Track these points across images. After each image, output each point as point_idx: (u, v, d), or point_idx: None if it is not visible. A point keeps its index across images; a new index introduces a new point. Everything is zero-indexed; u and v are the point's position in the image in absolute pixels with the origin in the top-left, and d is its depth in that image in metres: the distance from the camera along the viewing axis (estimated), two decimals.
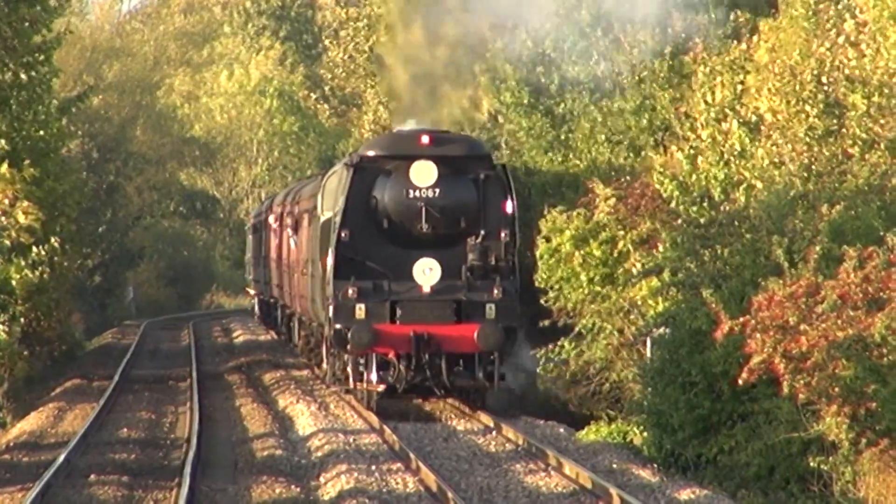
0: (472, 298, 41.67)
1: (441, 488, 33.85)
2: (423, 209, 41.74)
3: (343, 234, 41.98)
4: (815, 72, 45.51)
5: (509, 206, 42.40)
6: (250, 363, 69.16)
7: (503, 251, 41.54)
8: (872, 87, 44.56)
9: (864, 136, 44.64)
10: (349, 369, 43.04)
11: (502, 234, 41.77)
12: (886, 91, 44.70)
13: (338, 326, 41.90)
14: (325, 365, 50.27)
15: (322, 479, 36.72)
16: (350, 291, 41.50)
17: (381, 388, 41.89)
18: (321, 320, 47.98)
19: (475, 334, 41.17)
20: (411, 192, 41.97)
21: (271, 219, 71.63)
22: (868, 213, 42.12)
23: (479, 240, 41.51)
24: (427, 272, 41.26)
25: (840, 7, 47.50)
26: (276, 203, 74.66)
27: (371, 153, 43.20)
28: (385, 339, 41.31)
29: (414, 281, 41.67)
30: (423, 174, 41.51)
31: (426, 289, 41.60)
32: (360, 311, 41.33)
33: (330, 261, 42.25)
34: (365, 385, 41.97)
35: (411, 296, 41.69)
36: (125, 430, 48.31)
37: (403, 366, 41.31)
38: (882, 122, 44.50)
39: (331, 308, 42.20)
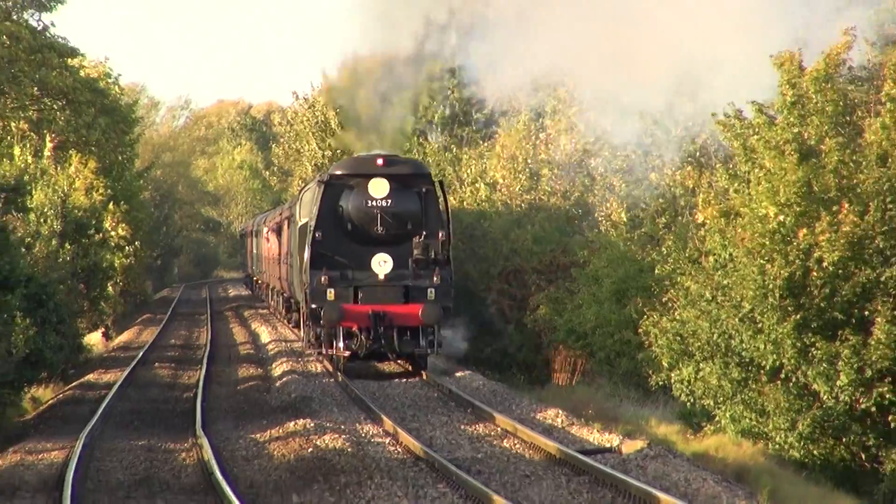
0: (417, 284, 33.44)
1: (340, 379, 32.79)
2: (379, 215, 33.58)
3: (317, 235, 33.95)
4: (523, 157, 46.27)
5: (444, 213, 34.23)
6: (238, 306, 68.52)
7: (440, 247, 33.55)
8: (555, 166, 45.38)
9: (548, 189, 45.44)
10: (322, 339, 34.60)
11: (440, 235, 33.60)
12: (556, 170, 45.46)
13: (313, 306, 33.76)
14: (301, 333, 41.29)
15: (273, 365, 36.86)
16: (322, 279, 33.46)
17: (347, 353, 33.61)
18: (298, 299, 39.86)
19: (420, 312, 32.93)
20: (370, 202, 33.68)
21: (265, 229, 58.70)
22: (554, 230, 43.23)
23: (422, 239, 33.49)
24: (382, 264, 33.49)
25: (539, 124, 47.98)
26: (260, 220, 67.10)
27: (338, 172, 34.58)
28: (350, 316, 33.26)
29: (372, 271, 33.60)
30: (379, 188, 33.56)
31: (381, 277, 33.54)
32: (331, 294, 33.37)
33: (307, 255, 34.26)
34: (334, 351, 33.83)
35: (370, 282, 33.53)
36: (173, 340, 49.67)
37: (364, 336, 33.21)
38: (557, 184, 45.27)
39: (307, 292, 34.18)
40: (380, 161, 33.82)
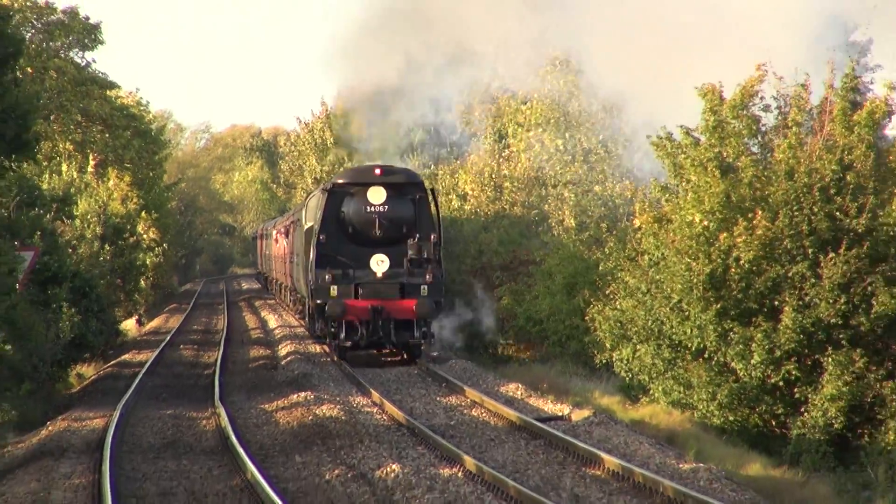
0: (411, 281, 31.17)
1: (336, 359, 31.70)
2: (377, 220, 31.44)
3: (321, 237, 31.70)
4: (489, 171, 45.96)
5: (435, 217, 31.94)
6: (249, 297, 67.83)
7: (432, 248, 31.37)
8: (515, 180, 45.29)
9: (510, 199, 45.21)
10: (326, 331, 32.72)
11: (432, 237, 31.43)
12: (517, 184, 45.24)
13: (318, 301, 31.60)
14: (305, 322, 39.29)
15: (279, 347, 36.28)
16: (327, 277, 31.15)
17: (349, 343, 31.36)
18: (302, 293, 37.49)
19: (414, 306, 30.77)
20: (368, 207, 31.49)
21: (274, 233, 56.14)
22: (516, 234, 42.92)
23: (416, 240, 31.31)
24: (380, 263, 31.25)
25: (503, 144, 47.84)
26: (269, 224, 65.31)
27: (340, 181, 32.26)
28: (351, 310, 31.01)
29: (371, 269, 31.29)
30: (377, 195, 31.49)
31: (379, 275, 31.25)
32: (334, 290, 31.14)
33: (312, 256, 32.05)
34: (337, 342, 31.53)
35: (369, 279, 31.26)
36: (195, 326, 49.29)
37: (364, 328, 31.05)
38: (517, 195, 45.09)
39: (313, 289, 31.91)
40: (377, 171, 32.01)
